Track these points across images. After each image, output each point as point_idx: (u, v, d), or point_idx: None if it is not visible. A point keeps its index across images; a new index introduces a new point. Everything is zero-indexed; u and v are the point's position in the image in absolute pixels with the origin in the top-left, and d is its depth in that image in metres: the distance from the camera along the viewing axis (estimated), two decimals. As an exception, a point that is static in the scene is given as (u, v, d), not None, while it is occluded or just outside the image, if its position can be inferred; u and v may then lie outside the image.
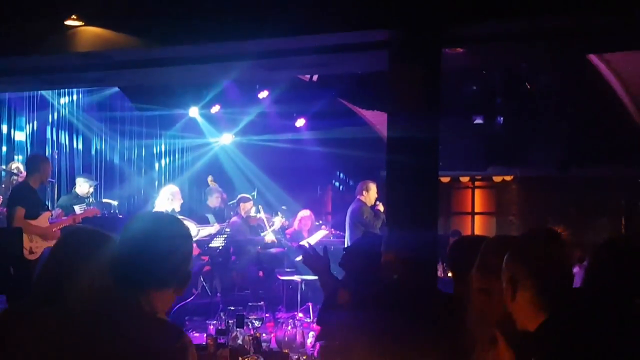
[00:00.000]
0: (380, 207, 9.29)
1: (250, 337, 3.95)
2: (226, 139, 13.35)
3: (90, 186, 9.77)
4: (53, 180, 9.60)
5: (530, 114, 10.81)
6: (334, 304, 4.22)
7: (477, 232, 13.65)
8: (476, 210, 14.55)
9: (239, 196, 10.93)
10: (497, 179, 13.76)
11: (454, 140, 10.29)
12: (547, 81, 10.02)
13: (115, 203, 10.39)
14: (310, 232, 10.63)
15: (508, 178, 13.70)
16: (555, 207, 12.70)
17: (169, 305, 2.20)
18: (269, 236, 10.47)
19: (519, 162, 12.47)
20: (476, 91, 9.95)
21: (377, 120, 11.25)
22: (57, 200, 10.31)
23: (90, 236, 2.63)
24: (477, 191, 14.57)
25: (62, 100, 11.29)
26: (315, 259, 4.32)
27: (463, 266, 3.34)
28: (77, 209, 8.90)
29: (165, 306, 2.17)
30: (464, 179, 14.17)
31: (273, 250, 10.57)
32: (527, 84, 9.82)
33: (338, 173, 14.41)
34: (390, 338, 3.46)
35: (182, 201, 9.07)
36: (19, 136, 11.13)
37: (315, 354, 3.62)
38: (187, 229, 2.27)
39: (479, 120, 10.84)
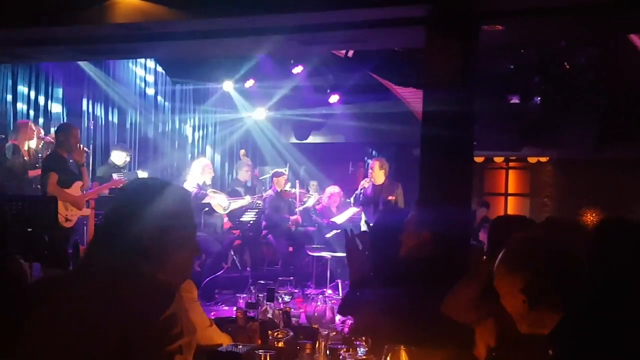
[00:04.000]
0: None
1: (280, 312, 3.95)
2: (259, 114, 13.35)
3: (127, 155, 9.87)
4: (88, 151, 9.70)
5: (567, 94, 10.63)
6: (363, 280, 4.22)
7: (510, 213, 13.52)
8: (509, 191, 14.43)
9: (273, 171, 10.95)
10: (532, 159, 13.60)
11: (488, 120, 10.18)
12: (585, 59, 9.83)
13: (145, 174, 10.47)
14: (339, 209, 10.62)
15: (543, 159, 13.54)
16: (591, 189, 12.54)
17: (182, 271, 2.21)
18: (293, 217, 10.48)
19: (554, 143, 12.30)
20: (513, 70, 9.79)
21: (412, 97, 11.15)
22: (92, 169, 10.43)
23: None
24: (511, 172, 14.42)
25: (97, 71, 11.36)
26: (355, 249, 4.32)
27: (499, 245, 3.32)
28: (115, 176, 9.03)
29: (177, 272, 2.18)
30: (498, 160, 14.02)
31: (304, 226, 10.61)
32: (565, 62, 9.64)
33: (370, 150, 14.35)
34: (421, 316, 3.45)
35: (213, 174, 9.12)
36: (56, 108, 11.24)
37: (345, 330, 3.61)
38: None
39: (515, 100, 10.69)
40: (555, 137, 11.94)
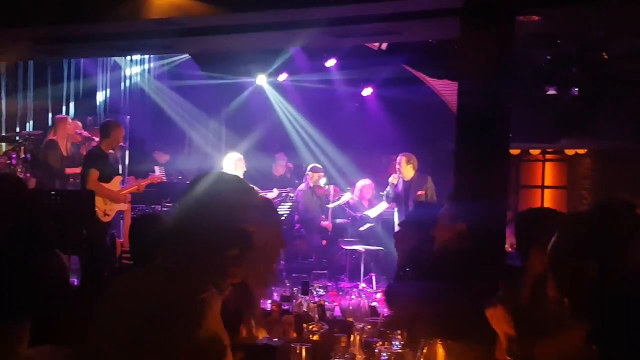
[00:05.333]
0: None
1: (315, 305, 3.96)
2: (292, 107, 13.36)
3: (168, 156, 10.00)
4: (124, 145, 9.80)
5: (605, 85, 10.46)
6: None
7: (547, 206, 13.37)
8: (546, 184, 14.26)
9: (311, 165, 10.94)
10: (570, 151, 13.42)
11: (524, 111, 10.05)
12: (624, 49, 9.65)
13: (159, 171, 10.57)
14: (371, 203, 10.59)
15: (581, 151, 13.35)
16: (630, 181, 12.33)
17: (256, 269, 2.24)
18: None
19: (592, 135, 12.11)
20: (549, 60, 9.66)
21: (446, 89, 11.07)
22: (128, 164, 10.55)
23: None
24: (547, 164, 14.25)
25: (134, 67, 11.48)
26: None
27: (530, 240, 3.29)
28: (157, 170, 9.15)
29: (247, 270, 2.19)
30: (535, 152, 13.86)
31: (337, 220, 10.60)
32: (603, 53, 9.48)
33: (404, 142, 14.28)
34: (457, 310, 3.43)
35: (245, 169, 9.17)
36: (93, 102, 11.37)
37: (380, 324, 3.60)
38: (237, 187, 2.25)
39: (551, 91, 10.54)
40: (593, 128, 11.76)
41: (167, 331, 1.97)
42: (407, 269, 4.52)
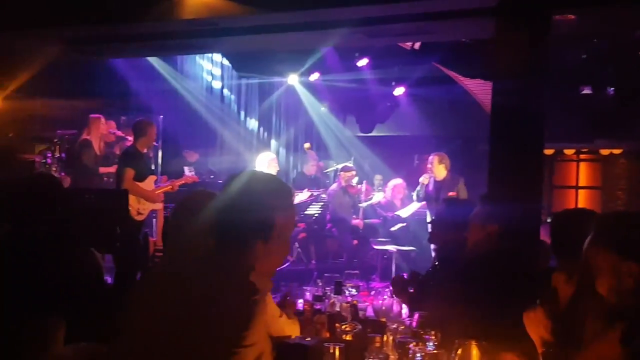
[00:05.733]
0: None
1: (348, 305, 3.95)
2: (323, 106, 13.36)
3: (198, 155, 10.06)
4: (157, 145, 9.88)
5: (640, 84, 10.31)
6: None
7: (581, 206, 13.23)
8: (580, 184, 14.10)
9: (342, 165, 10.93)
10: (605, 152, 13.26)
11: (559, 111, 9.94)
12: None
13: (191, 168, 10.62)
14: (403, 202, 10.54)
15: (616, 151, 13.19)
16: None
17: (274, 260, 2.26)
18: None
19: (628, 135, 11.95)
20: (585, 60, 9.54)
21: (479, 88, 10.99)
22: (162, 163, 10.63)
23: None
24: (582, 164, 14.09)
25: (166, 67, 11.55)
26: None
27: (566, 240, 3.25)
28: (187, 170, 9.20)
29: (268, 261, 2.22)
30: (569, 152, 13.72)
31: (369, 220, 10.58)
32: (639, 52, 9.33)
33: (436, 143, 14.22)
34: (490, 310, 3.40)
35: (278, 168, 9.18)
36: (126, 102, 11.46)
37: (413, 324, 3.58)
38: (274, 184, 2.32)
39: (586, 91, 10.42)
40: (628, 128, 11.60)
41: (218, 330, 2.00)
42: (437, 265, 4.50)
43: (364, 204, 10.60)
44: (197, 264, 2.19)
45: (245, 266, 2.15)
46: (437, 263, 4.51)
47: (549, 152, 12.87)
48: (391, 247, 9.62)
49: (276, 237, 2.21)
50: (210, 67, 12.47)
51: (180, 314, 2.04)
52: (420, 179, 9.52)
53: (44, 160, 8.87)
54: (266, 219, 2.20)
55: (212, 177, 10.67)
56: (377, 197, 10.78)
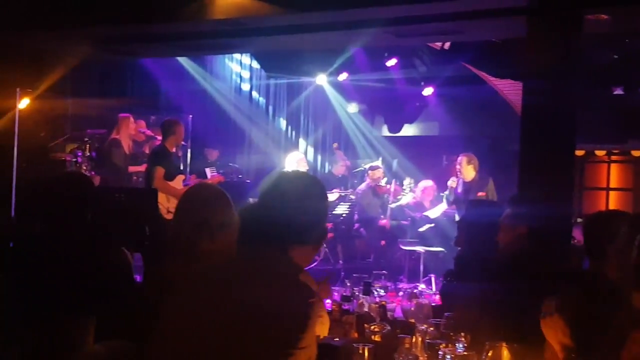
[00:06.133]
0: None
1: (377, 305, 3.94)
2: (352, 107, 13.34)
3: (218, 153, 10.08)
4: (186, 144, 9.92)
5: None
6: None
7: (611, 208, 13.06)
8: (611, 185, 13.93)
9: (369, 165, 10.91)
10: (636, 153, 13.08)
11: (590, 112, 9.84)
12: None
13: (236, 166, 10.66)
14: (432, 204, 10.48)
15: (649, 152, 13.03)
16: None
17: (310, 261, 2.30)
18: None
19: (661, 136, 11.81)
20: (617, 60, 9.42)
21: (509, 88, 10.90)
22: (190, 163, 10.68)
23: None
24: (613, 166, 13.91)
25: (196, 66, 11.61)
26: None
27: (599, 242, 3.21)
28: (208, 171, 9.23)
29: (305, 262, 2.25)
30: (600, 153, 13.55)
31: (396, 221, 10.53)
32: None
33: (464, 143, 14.14)
34: (519, 312, 3.37)
35: (307, 168, 9.17)
36: (156, 101, 11.55)
37: (442, 325, 3.56)
38: (323, 188, 2.35)
39: (618, 91, 10.29)
40: (661, 129, 11.46)
41: (275, 331, 2.00)
42: (464, 266, 4.47)
43: (393, 205, 10.56)
44: (247, 265, 2.18)
45: (296, 267, 2.18)
46: (461, 264, 4.47)
47: (579, 153, 12.72)
48: (419, 248, 9.57)
49: (316, 239, 2.24)
50: (238, 69, 12.52)
51: (234, 314, 2.04)
52: (449, 183, 9.46)
53: (74, 159, 8.95)
54: (318, 222, 2.25)
55: (240, 176, 10.70)
56: (407, 198, 10.72)
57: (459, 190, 9.31)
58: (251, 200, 9.70)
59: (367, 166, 10.90)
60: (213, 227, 3.08)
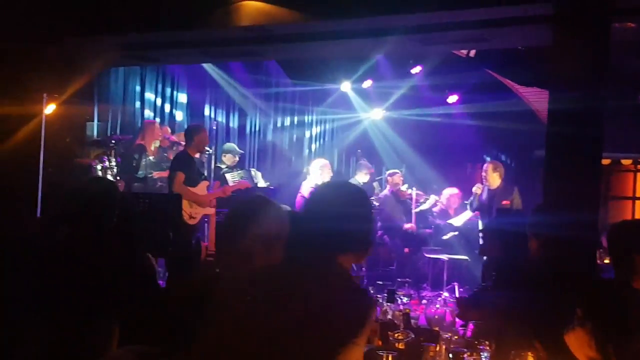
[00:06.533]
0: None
1: (401, 313, 3.93)
2: (376, 114, 13.34)
3: (234, 156, 10.09)
4: (210, 151, 9.95)
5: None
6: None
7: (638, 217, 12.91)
8: (638, 195, 13.76)
9: (388, 171, 10.91)
10: (664, 162, 12.94)
11: (616, 120, 9.74)
12: None
13: (259, 174, 10.65)
14: (457, 211, 10.43)
15: (677, 162, 12.85)
16: None
17: (349, 268, 2.31)
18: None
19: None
20: (644, 68, 9.34)
21: (534, 96, 10.84)
22: (214, 170, 10.72)
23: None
24: (639, 175, 13.76)
25: (221, 73, 11.67)
26: None
27: (625, 251, 3.18)
28: (229, 177, 9.24)
29: (349, 268, 2.30)
30: (626, 162, 13.39)
31: (420, 229, 10.49)
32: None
33: (490, 150, 14.07)
34: (545, 322, 3.34)
35: (331, 174, 9.16)
36: (180, 108, 11.62)
37: (467, 334, 3.54)
38: (368, 198, 2.43)
39: (645, 99, 10.21)
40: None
41: (334, 332, 2.04)
42: (493, 275, 4.44)
43: (417, 209, 10.53)
44: (304, 271, 2.22)
45: (348, 273, 2.25)
46: (493, 274, 4.44)
47: (605, 162, 12.57)
48: (443, 256, 9.52)
49: (361, 248, 2.30)
50: (263, 76, 12.56)
51: (295, 317, 2.08)
52: (474, 189, 9.42)
53: (99, 165, 9.01)
54: (363, 231, 2.29)
55: (267, 184, 10.71)
56: (428, 202, 10.67)
57: (484, 197, 9.27)
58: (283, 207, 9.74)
59: (386, 173, 10.90)
60: (270, 238, 3.07)
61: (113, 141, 9.40)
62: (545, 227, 4.08)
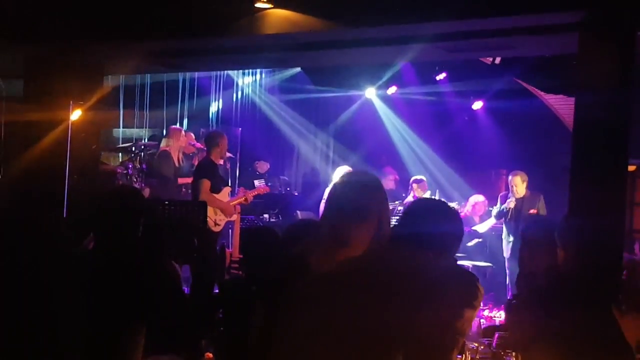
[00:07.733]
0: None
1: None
2: (401, 120, 13.31)
3: (266, 162, 10.14)
4: (233, 156, 9.98)
5: None
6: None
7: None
8: (664, 201, 13.59)
9: (413, 178, 10.88)
10: (688, 168, 12.75)
11: (640, 126, 9.64)
12: None
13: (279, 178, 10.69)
14: (482, 219, 10.37)
15: (702, 167, 12.67)
16: None
17: None
18: None
19: None
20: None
21: (560, 104, 10.76)
22: (239, 176, 10.76)
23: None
24: (664, 181, 13.58)
25: (246, 80, 11.72)
26: None
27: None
28: (257, 183, 9.27)
29: None
30: (652, 168, 13.25)
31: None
32: None
33: (514, 158, 13.97)
34: (572, 335, 3.31)
35: (354, 181, 9.14)
36: (206, 114, 11.69)
37: (493, 344, 3.52)
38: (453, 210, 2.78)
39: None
40: None
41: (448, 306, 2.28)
42: (528, 284, 4.39)
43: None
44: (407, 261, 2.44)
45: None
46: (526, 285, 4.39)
47: (631, 168, 12.44)
48: (466, 263, 9.46)
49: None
50: (287, 82, 12.59)
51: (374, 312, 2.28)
52: (508, 203, 9.31)
53: (125, 171, 9.06)
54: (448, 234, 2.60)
55: (288, 189, 10.74)
56: (454, 205, 10.59)
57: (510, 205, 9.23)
58: (299, 212, 9.77)
59: (411, 179, 10.88)
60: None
61: (138, 147, 9.46)
62: (575, 236, 4.04)
